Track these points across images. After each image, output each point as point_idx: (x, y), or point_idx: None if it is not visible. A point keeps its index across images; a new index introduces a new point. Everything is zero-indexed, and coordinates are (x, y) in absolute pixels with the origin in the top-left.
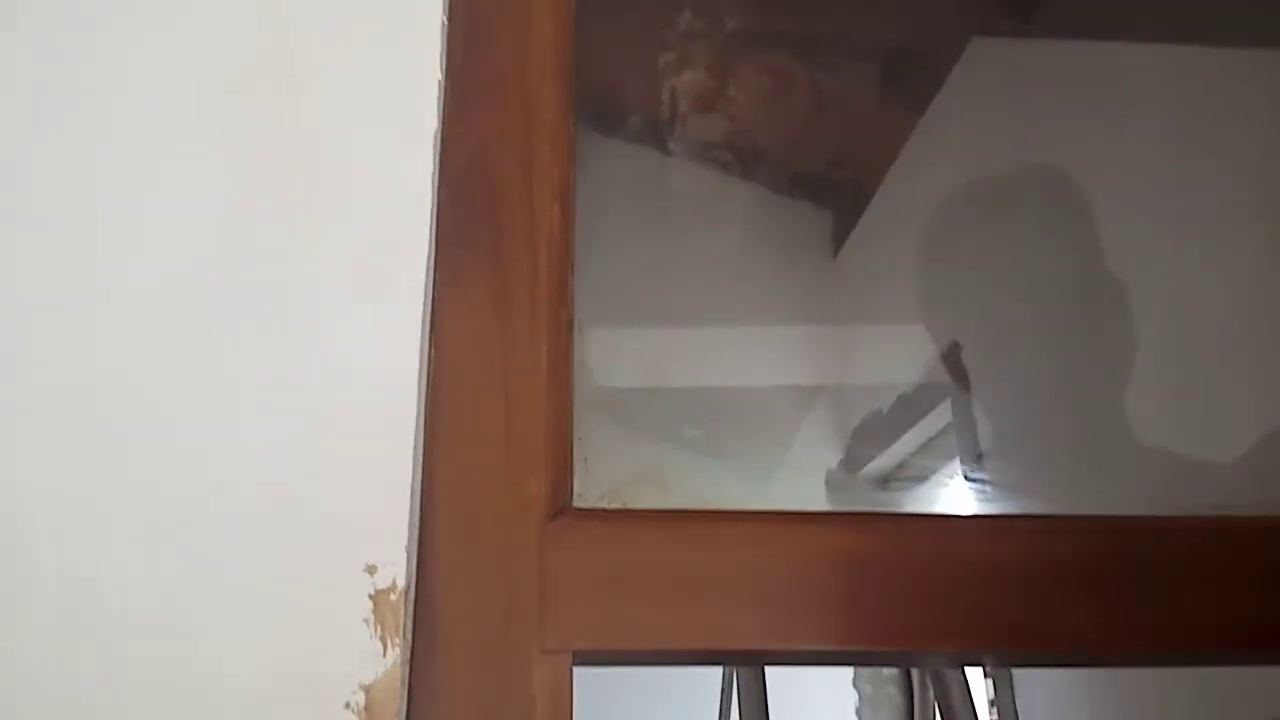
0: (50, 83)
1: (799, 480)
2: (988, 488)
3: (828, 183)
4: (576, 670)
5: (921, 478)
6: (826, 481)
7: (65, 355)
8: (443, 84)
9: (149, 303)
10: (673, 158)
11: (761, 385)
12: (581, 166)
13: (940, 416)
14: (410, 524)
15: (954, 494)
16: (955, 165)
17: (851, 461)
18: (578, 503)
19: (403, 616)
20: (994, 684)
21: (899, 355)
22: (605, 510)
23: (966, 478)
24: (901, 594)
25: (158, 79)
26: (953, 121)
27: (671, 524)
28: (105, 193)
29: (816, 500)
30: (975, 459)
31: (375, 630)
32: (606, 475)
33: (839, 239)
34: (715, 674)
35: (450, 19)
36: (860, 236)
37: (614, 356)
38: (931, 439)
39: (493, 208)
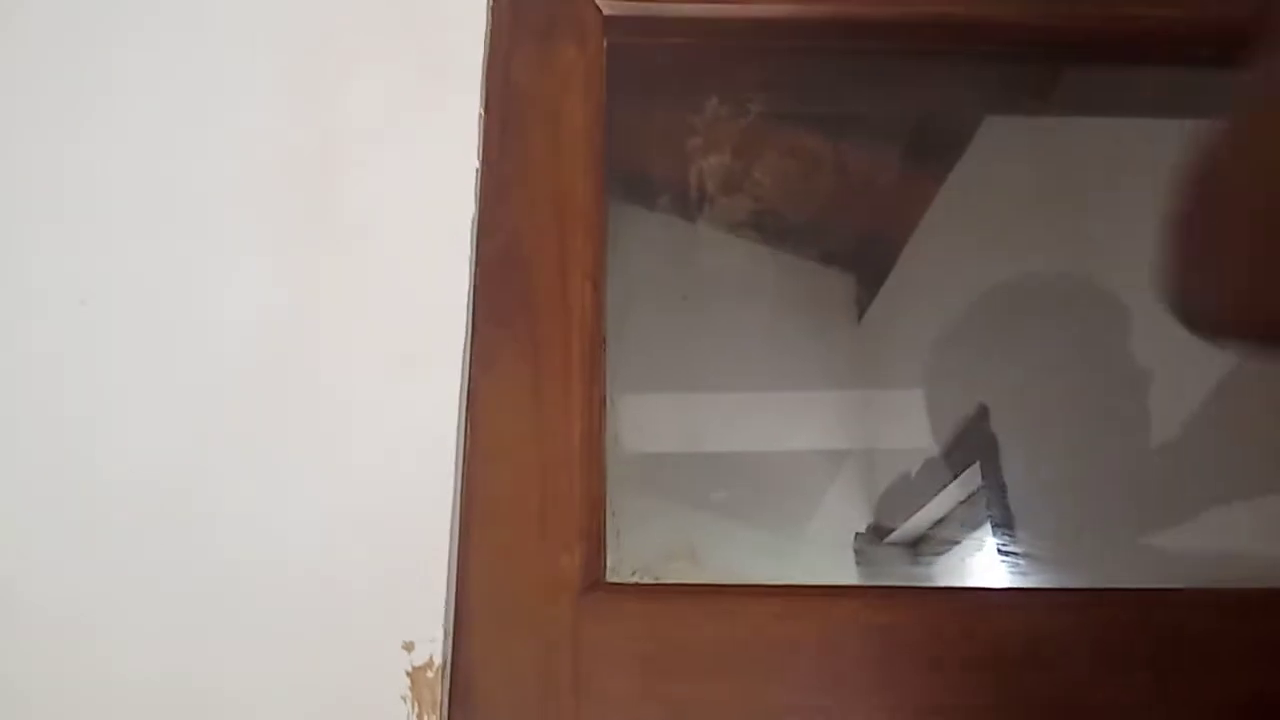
0: (110, 159)
1: (827, 545)
2: (1018, 557)
3: (852, 249)
4: None
5: (950, 544)
6: (855, 546)
7: (103, 433)
8: (479, 172)
9: (190, 385)
10: (701, 228)
11: (789, 450)
12: (613, 236)
13: (969, 481)
14: (447, 601)
15: (983, 562)
16: (977, 231)
17: (879, 526)
18: (611, 577)
19: (439, 694)
20: None
21: (925, 419)
22: (638, 585)
23: (999, 550)
24: (936, 669)
25: (209, 163)
26: (973, 189)
27: (704, 599)
28: (148, 273)
29: (845, 565)
30: (1005, 526)
31: (413, 708)
32: (639, 549)
33: (863, 303)
34: None
35: (487, 111)
36: (884, 301)
37: (645, 423)
38: (960, 503)
39: (528, 290)
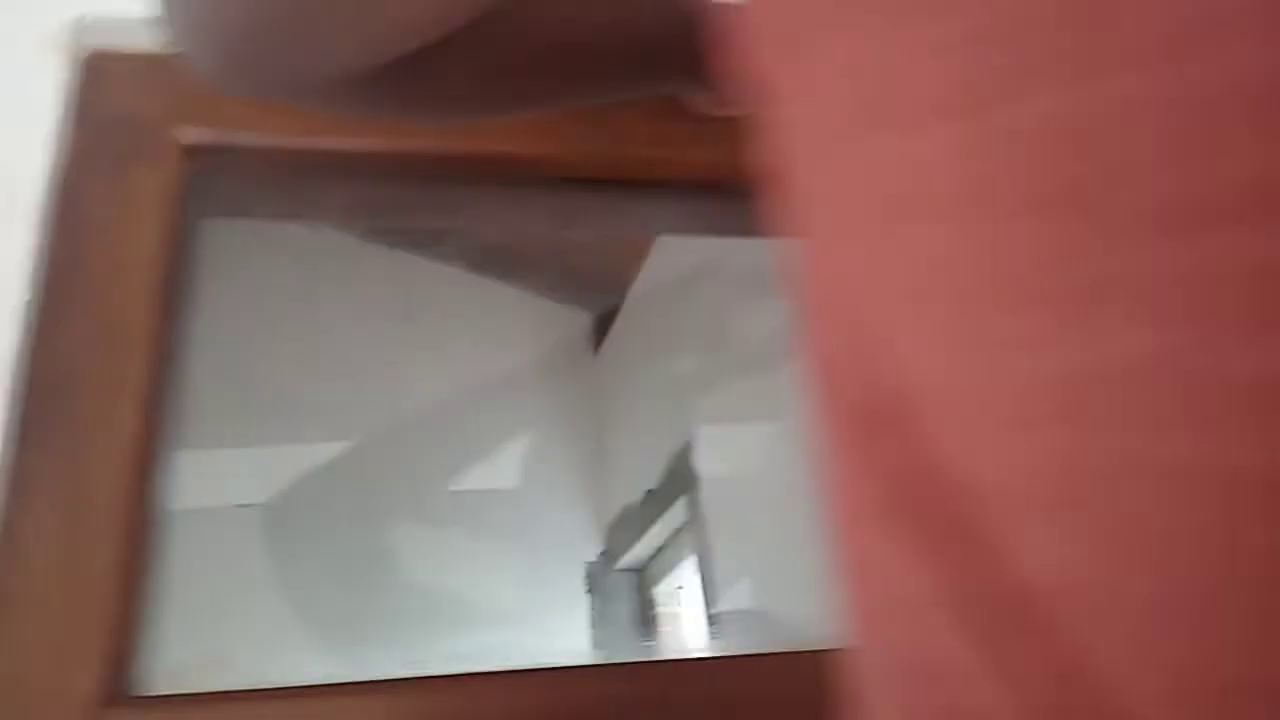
0: None
1: (560, 573)
2: (712, 595)
3: (586, 283)
4: None
5: (666, 573)
6: (587, 574)
7: None
8: (30, 304)
9: None
10: (428, 259)
11: (519, 486)
12: (319, 264)
13: (679, 515)
14: None
15: (691, 595)
16: (699, 261)
17: (610, 554)
18: (142, 690)
19: None
20: None
21: (650, 451)
22: (163, 697)
23: (709, 613)
24: None
25: None
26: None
27: (228, 706)
28: None
29: (579, 596)
30: (704, 560)
31: None
32: (179, 656)
33: (599, 337)
34: None
35: (48, 241)
36: (617, 334)
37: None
38: (672, 535)
39: (70, 420)
